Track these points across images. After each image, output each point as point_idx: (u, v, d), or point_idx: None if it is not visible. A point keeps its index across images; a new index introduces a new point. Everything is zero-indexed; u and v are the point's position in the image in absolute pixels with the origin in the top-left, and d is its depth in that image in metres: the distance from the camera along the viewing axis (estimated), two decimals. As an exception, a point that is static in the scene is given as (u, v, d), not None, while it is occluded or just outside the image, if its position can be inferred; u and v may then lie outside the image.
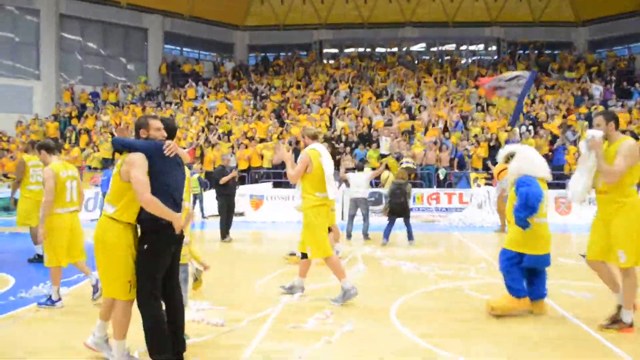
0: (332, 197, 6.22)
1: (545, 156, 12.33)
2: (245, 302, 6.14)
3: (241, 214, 16.38)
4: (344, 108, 22.49)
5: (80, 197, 6.31)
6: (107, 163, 19.87)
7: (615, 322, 4.94)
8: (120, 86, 28.28)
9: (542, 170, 5.64)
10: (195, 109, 24.24)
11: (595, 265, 5.14)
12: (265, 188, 17.54)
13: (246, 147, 19.03)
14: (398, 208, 11.03)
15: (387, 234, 10.94)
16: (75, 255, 6.18)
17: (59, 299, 5.96)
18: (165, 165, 3.94)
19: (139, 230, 4.05)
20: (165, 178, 3.92)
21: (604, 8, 28.09)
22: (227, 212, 11.72)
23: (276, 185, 17.94)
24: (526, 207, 5.33)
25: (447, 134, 19.03)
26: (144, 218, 3.91)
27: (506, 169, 6.13)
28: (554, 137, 18.31)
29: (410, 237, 11.03)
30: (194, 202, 18.17)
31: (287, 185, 18.60)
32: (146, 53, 30.51)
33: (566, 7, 29.99)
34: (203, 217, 16.67)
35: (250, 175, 18.49)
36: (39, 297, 6.36)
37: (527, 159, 5.64)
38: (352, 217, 11.86)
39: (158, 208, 3.79)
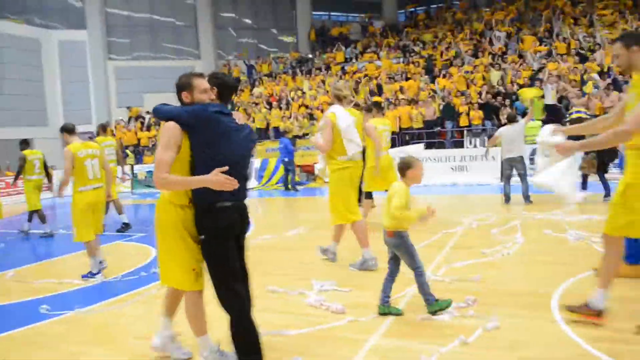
0: (350, 154, 5.95)
1: None
2: (376, 282, 5.31)
3: (391, 178, 15.56)
4: (502, 56, 20.27)
5: (106, 173, 6.73)
6: (260, 133, 20.37)
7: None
8: (272, 57, 28.90)
9: None
10: (344, 71, 23.73)
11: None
12: (416, 149, 16.38)
13: (395, 107, 18.06)
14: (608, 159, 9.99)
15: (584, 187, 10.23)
16: (96, 229, 6.40)
17: (98, 272, 6.27)
18: (216, 134, 3.18)
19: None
20: (217, 149, 3.18)
21: None
22: None
23: (428, 146, 16.73)
24: None
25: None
26: (195, 198, 3.28)
27: None
28: None
29: (609, 193, 9.66)
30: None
31: (440, 145, 17.32)
32: (295, 21, 30.70)
33: None
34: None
35: (400, 137, 17.50)
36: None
37: None
38: (508, 177, 10.40)
39: (176, 184, 3.21)
